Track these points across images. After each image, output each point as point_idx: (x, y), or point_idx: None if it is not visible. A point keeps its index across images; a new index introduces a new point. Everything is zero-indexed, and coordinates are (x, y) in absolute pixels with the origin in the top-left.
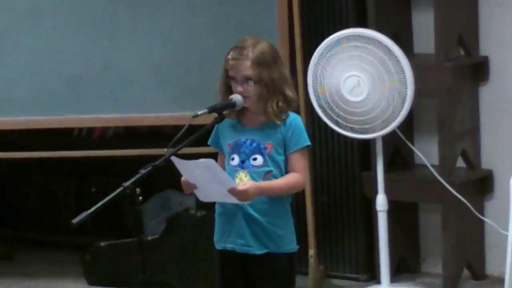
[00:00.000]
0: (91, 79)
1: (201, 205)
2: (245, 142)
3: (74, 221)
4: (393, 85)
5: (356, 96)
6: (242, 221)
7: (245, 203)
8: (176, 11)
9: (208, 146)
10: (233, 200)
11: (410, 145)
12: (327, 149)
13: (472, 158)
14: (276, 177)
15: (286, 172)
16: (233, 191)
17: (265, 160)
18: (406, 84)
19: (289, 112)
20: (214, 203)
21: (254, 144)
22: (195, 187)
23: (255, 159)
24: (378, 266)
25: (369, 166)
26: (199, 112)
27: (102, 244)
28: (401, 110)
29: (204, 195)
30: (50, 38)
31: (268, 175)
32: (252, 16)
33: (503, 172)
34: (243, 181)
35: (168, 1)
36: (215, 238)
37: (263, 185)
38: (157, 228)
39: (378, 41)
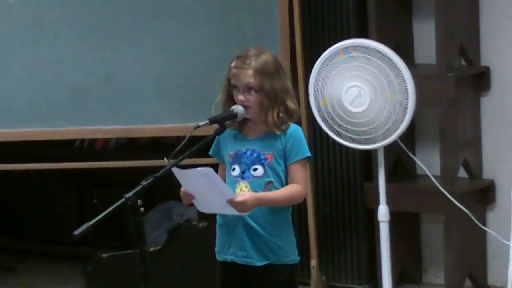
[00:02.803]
0: (93, 89)
1: (202, 216)
2: (245, 153)
3: (76, 232)
4: (395, 96)
5: (357, 106)
6: (242, 232)
7: (245, 214)
8: (178, 22)
9: (209, 157)
10: (232, 211)
11: (412, 156)
12: (328, 160)
13: (474, 168)
14: (276, 188)
15: (287, 183)
16: (231, 202)
17: (265, 171)
18: (407, 94)
19: (289, 123)
20: (215, 214)
21: (255, 155)
22: (193, 197)
23: (255, 169)
24: (380, 277)
25: (371, 176)
26: (201, 123)
27: (104, 255)
28: (402, 121)
29: (204, 206)
30: (52, 49)
31: (269, 186)
32: (253, 26)
33: (505, 182)
34: (244, 191)
35: (169, 11)
36: (216, 249)
37: (262, 196)
38: (159, 239)
39: (379, 51)
